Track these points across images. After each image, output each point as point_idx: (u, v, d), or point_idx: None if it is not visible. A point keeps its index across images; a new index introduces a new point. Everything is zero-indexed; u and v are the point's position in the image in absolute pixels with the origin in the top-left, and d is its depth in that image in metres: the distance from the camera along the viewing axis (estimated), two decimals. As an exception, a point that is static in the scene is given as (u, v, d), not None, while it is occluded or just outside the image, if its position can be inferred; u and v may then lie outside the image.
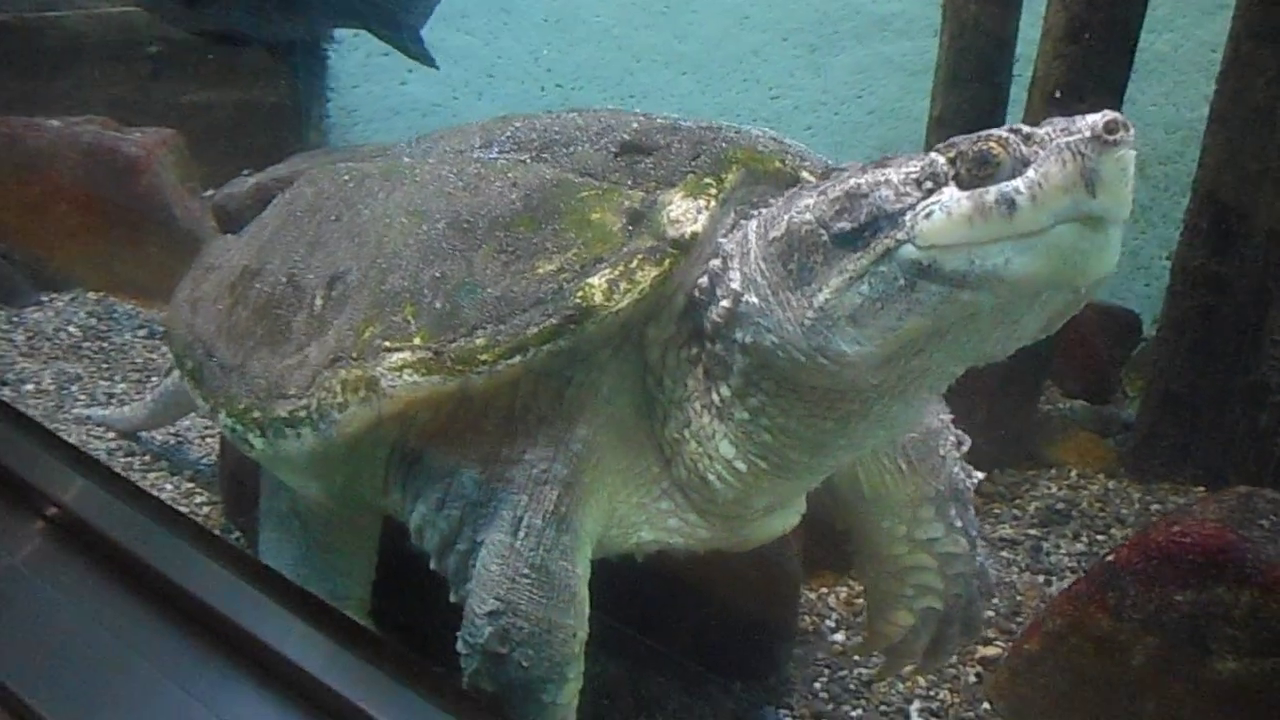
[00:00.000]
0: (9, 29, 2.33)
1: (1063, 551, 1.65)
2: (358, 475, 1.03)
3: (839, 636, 1.40)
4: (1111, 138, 0.68)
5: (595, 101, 3.11)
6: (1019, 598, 1.51)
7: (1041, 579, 1.57)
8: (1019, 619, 1.44)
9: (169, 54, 2.56)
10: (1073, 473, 1.91)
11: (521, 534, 0.89)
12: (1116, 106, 1.85)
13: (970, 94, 2.09)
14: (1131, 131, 0.68)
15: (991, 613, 1.45)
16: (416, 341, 0.89)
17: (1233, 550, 1.13)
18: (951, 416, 1.14)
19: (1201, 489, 1.82)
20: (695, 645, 1.27)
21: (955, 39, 2.08)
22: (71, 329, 2.09)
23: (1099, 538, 1.69)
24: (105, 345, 2.05)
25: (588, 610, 0.92)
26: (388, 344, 0.91)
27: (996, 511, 1.77)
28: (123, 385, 1.91)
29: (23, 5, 2.34)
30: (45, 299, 2.20)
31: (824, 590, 1.48)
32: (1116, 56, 1.84)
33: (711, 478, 0.91)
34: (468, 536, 0.92)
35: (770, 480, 0.91)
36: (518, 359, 0.84)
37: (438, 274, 0.90)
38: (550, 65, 3.13)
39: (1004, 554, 1.64)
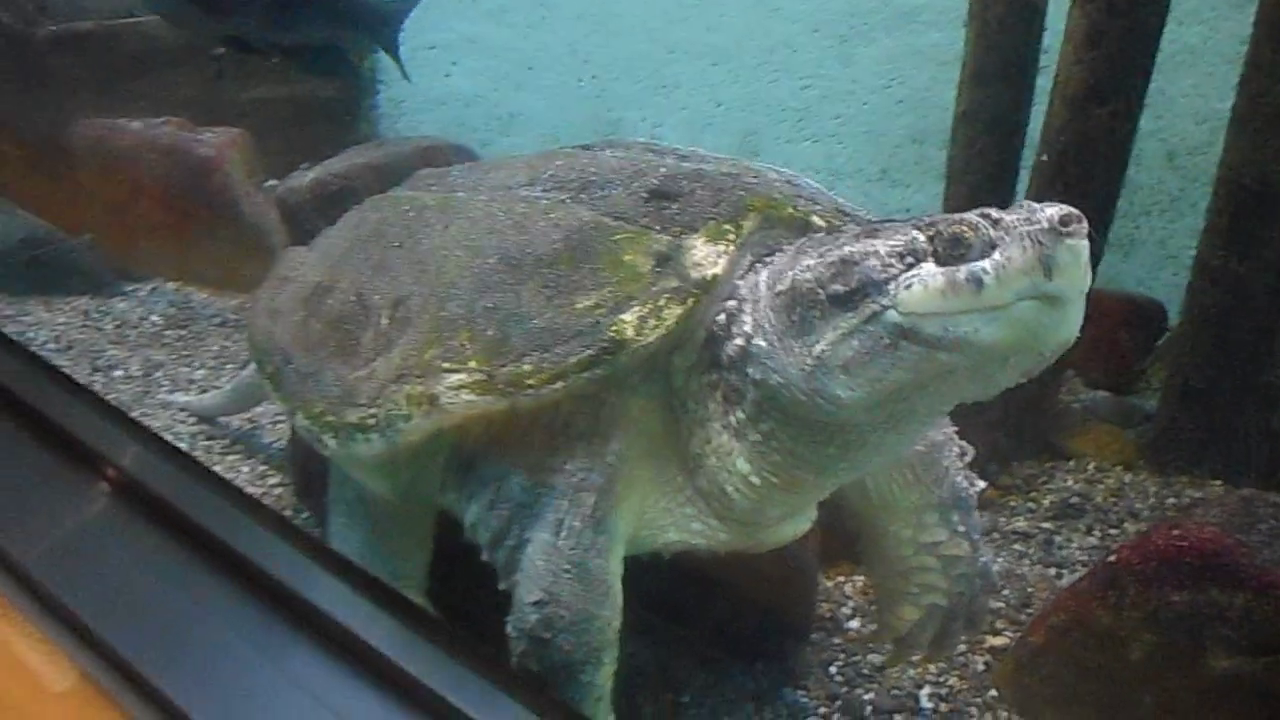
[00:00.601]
0: (92, 36, 2.46)
1: (1075, 545, 1.69)
2: (418, 476, 1.14)
3: (854, 624, 1.47)
4: (1065, 229, 0.78)
5: (629, 91, 3.17)
6: (1029, 590, 1.56)
7: (1053, 572, 1.62)
8: (1029, 611, 1.50)
9: (232, 56, 2.67)
10: (1090, 465, 1.94)
11: (563, 534, 0.99)
12: (1137, 109, 1.90)
13: (995, 92, 2.12)
14: (1084, 224, 0.78)
15: (1001, 604, 1.52)
16: (472, 364, 0.99)
17: (1228, 554, 1.18)
18: (956, 429, 1.22)
19: (1220, 483, 1.84)
20: (719, 631, 1.36)
21: (981, 36, 2.11)
22: (154, 318, 2.23)
23: (1112, 532, 1.73)
24: (184, 333, 2.18)
25: (621, 601, 1.02)
26: (446, 365, 1.01)
27: (1012, 504, 1.82)
28: (201, 371, 2.05)
29: (104, 11, 2.46)
30: (129, 289, 2.35)
31: (840, 579, 1.55)
32: (1136, 61, 1.86)
33: (730, 489, 1.01)
34: (515, 534, 1.02)
35: (782, 494, 1.01)
36: (559, 384, 0.94)
37: (490, 304, 1.00)
38: (587, 57, 3.19)
39: (1016, 547, 1.69)
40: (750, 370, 0.94)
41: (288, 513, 1.62)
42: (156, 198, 2.27)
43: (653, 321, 0.93)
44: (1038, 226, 0.78)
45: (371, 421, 1.09)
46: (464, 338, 1.01)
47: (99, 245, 2.35)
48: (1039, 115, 2.03)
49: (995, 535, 1.71)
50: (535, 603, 0.99)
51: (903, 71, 2.98)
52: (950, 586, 1.21)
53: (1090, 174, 1.93)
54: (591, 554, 0.99)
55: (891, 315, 0.83)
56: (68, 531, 1.30)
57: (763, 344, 0.92)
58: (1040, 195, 1.97)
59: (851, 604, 1.52)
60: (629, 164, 1.07)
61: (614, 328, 0.93)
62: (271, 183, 2.58)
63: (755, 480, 0.99)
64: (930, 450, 1.17)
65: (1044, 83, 2.02)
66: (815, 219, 1.01)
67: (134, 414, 1.80)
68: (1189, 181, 2.63)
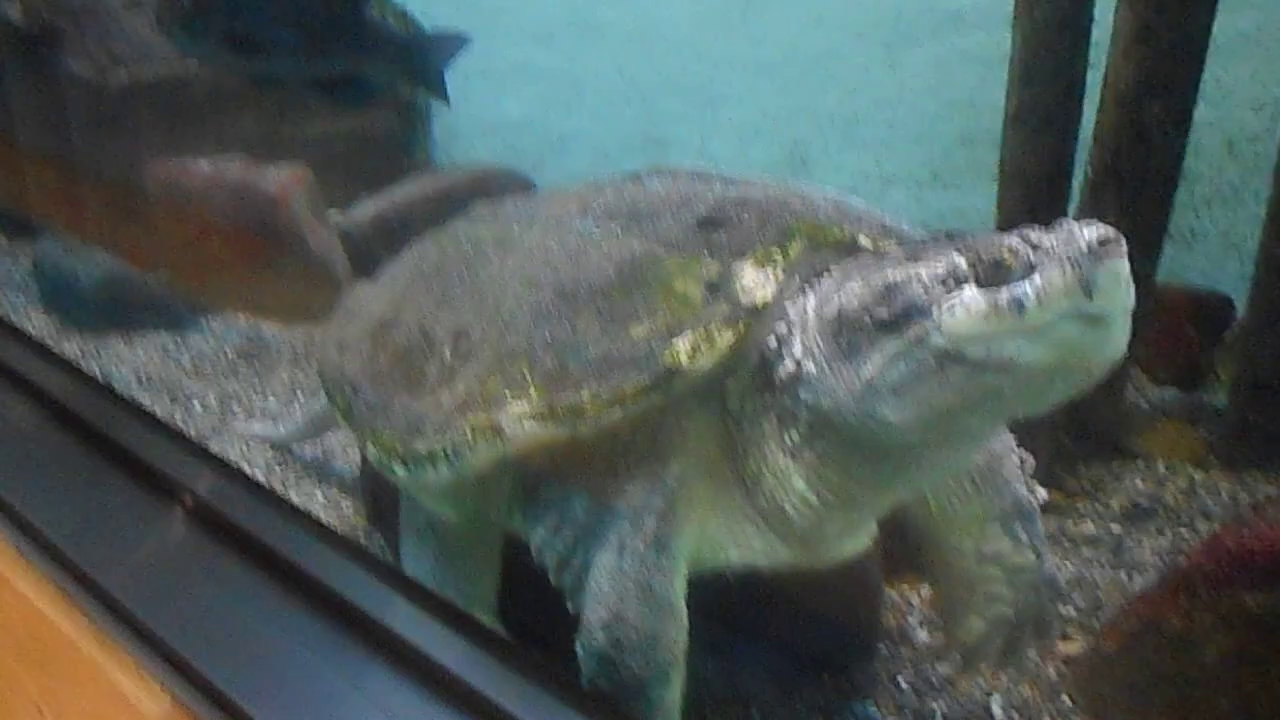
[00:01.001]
0: (162, 82, 2.56)
1: (1146, 548, 1.65)
2: (485, 501, 1.17)
3: (922, 634, 1.46)
4: (1103, 250, 0.78)
5: (676, 108, 3.19)
6: (1100, 595, 1.53)
7: (1124, 576, 1.58)
8: (1100, 616, 1.47)
9: (291, 94, 2.76)
10: (1160, 465, 1.89)
11: (626, 556, 1.01)
12: (1191, 101, 1.86)
13: (1045, 91, 2.08)
14: (1122, 244, 0.79)
15: (1073, 610, 1.50)
16: (532, 394, 1.02)
17: (1301, 553, 1.14)
18: (1017, 433, 1.21)
19: (1294, 479, 1.77)
20: (785, 645, 1.36)
21: (1028, 36, 2.08)
22: (227, 350, 2.31)
23: (1183, 532, 1.69)
24: (256, 365, 2.26)
25: (686, 620, 1.03)
26: (509, 395, 1.04)
27: (1079, 508, 1.78)
28: (273, 400, 2.12)
29: (171, 57, 2.56)
30: (203, 324, 2.43)
31: (907, 589, 1.54)
32: (1188, 53, 1.82)
33: (788, 508, 1.02)
34: (580, 556, 1.05)
35: (840, 512, 1.02)
36: (617, 411, 0.97)
37: (548, 335, 1.03)
38: (634, 77, 3.22)
39: (1085, 551, 1.65)
40: (802, 393, 0.95)
41: (360, 538, 1.66)
42: (226, 234, 2.36)
43: (705, 347, 0.95)
44: (1076, 249, 0.79)
45: (439, 451, 1.12)
46: (524, 368, 1.03)
47: (174, 282, 2.44)
48: (1090, 114, 2.00)
49: (1063, 540, 1.68)
50: (603, 623, 1.01)
51: (950, 74, 2.94)
52: (1016, 596, 1.20)
53: (1146, 168, 1.90)
54: (655, 574, 1.01)
55: (936, 339, 0.84)
56: (154, 560, 1.36)
57: (812, 368, 0.94)
58: (1096, 193, 1.95)
59: (918, 614, 1.51)
60: (676, 193, 1.09)
61: (668, 354, 0.95)
62: (335, 215, 2.66)
63: (812, 499, 1.00)
64: (990, 461, 1.16)
65: (1094, 79, 1.99)
66: (862, 239, 1.02)
67: (212, 444, 1.87)
68: (1250, 170, 2.55)
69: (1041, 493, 1.22)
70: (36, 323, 2.43)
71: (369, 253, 2.35)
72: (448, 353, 1.15)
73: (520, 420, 1.02)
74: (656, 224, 1.05)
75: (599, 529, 1.04)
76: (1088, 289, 0.78)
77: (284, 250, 2.31)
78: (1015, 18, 2.09)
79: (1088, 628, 1.46)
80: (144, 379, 2.20)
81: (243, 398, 2.11)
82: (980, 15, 2.87)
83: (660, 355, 0.95)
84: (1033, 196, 2.06)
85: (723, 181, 1.13)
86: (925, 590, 1.54)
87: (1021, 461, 1.21)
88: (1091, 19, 2.01)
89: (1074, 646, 1.42)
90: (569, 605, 1.07)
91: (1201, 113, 1.89)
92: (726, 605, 1.28)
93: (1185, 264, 2.53)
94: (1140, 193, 1.93)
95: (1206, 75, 1.86)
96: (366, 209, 2.55)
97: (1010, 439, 1.20)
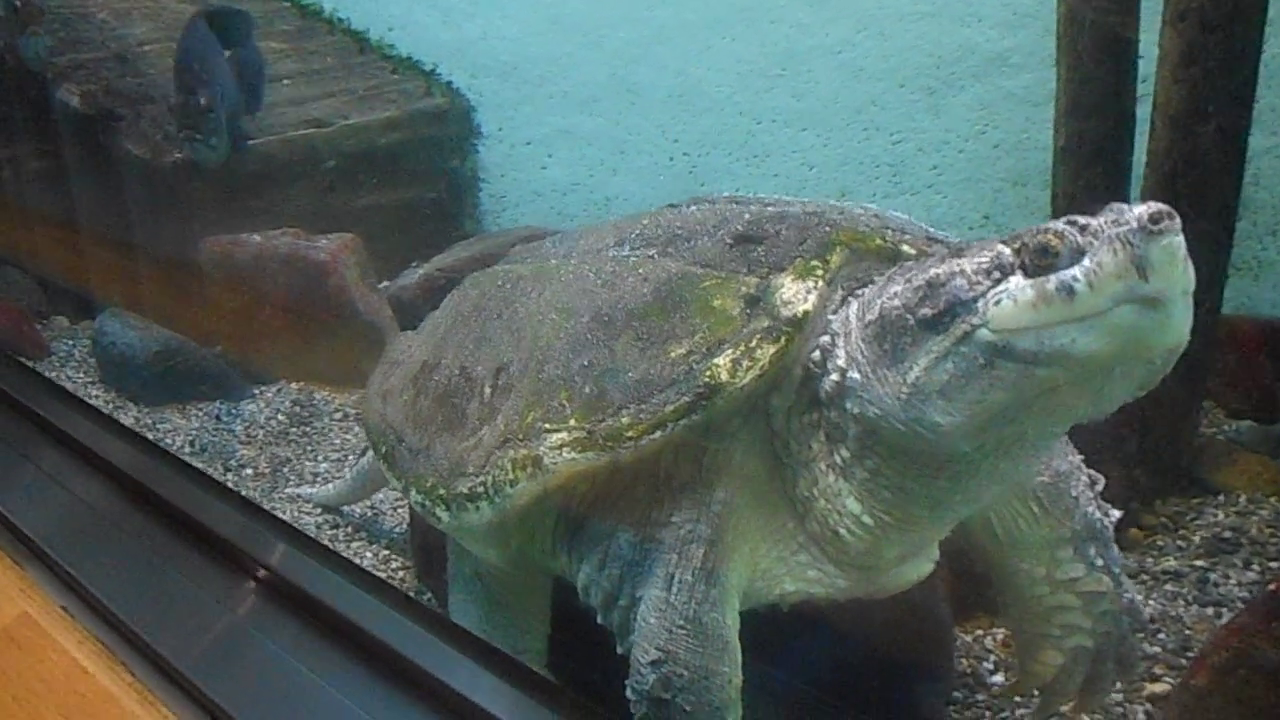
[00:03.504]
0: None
1: (1233, 582, 1.58)
2: (529, 541, 1.15)
3: (998, 678, 1.39)
4: (1156, 227, 0.74)
5: (720, 164, 3.23)
6: (1187, 632, 1.46)
7: (1210, 611, 1.51)
8: (1189, 654, 1.39)
9: (343, 167, 2.87)
10: (1241, 498, 1.81)
11: (674, 589, 0.98)
12: (1244, 123, 1.83)
13: (1093, 123, 2.07)
14: (1176, 220, 0.75)
15: (1158, 649, 1.42)
16: (572, 423, 1.01)
17: (1395, 576, 1.09)
18: (1081, 457, 1.16)
19: (1380, 510, 1.69)
20: (852, 690, 1.31)
21: (1072, 70, 2.08)
22: (280, 417, 2.36)
23: (1271, 565, 1.61)
24: (308, 430, 2.30)
25: (740, 658, 0.99)
26: (548, 426, 1.03)
27: (1160, 544, 1.72)
28: (325, 465, 2.14)
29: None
30: (256, 392, 2.49)
31: (980, 632, 1.48)
32: (1237, 74, 1.80)
33: (842, 531, 0.98)
34: (627, 593, 1.02)
35: (897, 533, 0.98)
36: (658, 434, 0.95)
37: (585, 362, 1.02)
38: (677, 137, 3.27)
39: (1169, 588, 1.58)
40: (848, 404, 0.92)
41: (411, 593, 1.65)
42: (278, 304, 2.42)
43: (746, 363, 0.93)
44: (1127, 227, 0.75)
45: (480, 490, 1.11)
46: (563, 397, 1.03)
47: (227, 352, 2.51)
48: (1141, 141, 1.97)
49: (1144, 577, 1.60)
50: (652, 662, 0.98)
51: (996, 116, 2.95)
52: (1095, 626, 1.14)
53: (1203, 194, 1.86)
54: (705, 607, 0.98)
55: (983, 333, 0.81)
56: (210, 622, 1.37)
57: (857, 376, 0.91)
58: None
59: (993, 658, 1.45)
60: (713, 214, 1.09)
61: (708, 373, 0.94)
62: (384, 284, 2.72)
63: (867, 520, 0.96)
64: (1056, 480, 1.11)
65: (1142, 112, 1.98)
66: (905, 248, 1.00)
67: (264, 507, 1.89)
68: (1321, 192, 2.49)
69: (1115, 513, 1.16)
70: (95, 397, 2.50)
71: (417, 316, 2.38)
72: (487, 390, 1.15)
73: (560, 450, 1.01)
74: (693, 245, 1.04)
75: (645, 562, 1.01)
76: (1142, 269, 0.74)
77: (334, 316, 2.37)
78: (1058, 49, 2.09)
79: (1175, 666, 1.38)
80: (198, 447, 2.25)
81: (294, 462, 2.14)
82: (1023, 56, 2.88)
83: (700, 374, 0.94)
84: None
85: (759, 203, 1.12)
86: (999, 633, 1.48)
87: (1091, 481, 1.15)
88: (1137, 45, 2.01)
89: (1162, 687, 1.35)
90: (618, 647, 1.04)
91: (1261, 141, 1.85)
92: (787, 647, 1.24)
93: (1253, 295, 2.46)
94: (1198, 220, 1.88)
95: (1263, 103, 1.83)
96: (414, 274, 2.61)
97: (1077, 457, 1.15)
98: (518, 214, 3.49)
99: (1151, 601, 1.54)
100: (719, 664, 0.97)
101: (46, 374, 2.49)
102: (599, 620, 1.07)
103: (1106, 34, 2.00)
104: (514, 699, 1.16)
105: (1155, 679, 1.36)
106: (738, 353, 0.94)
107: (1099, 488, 1.15)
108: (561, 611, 1.30)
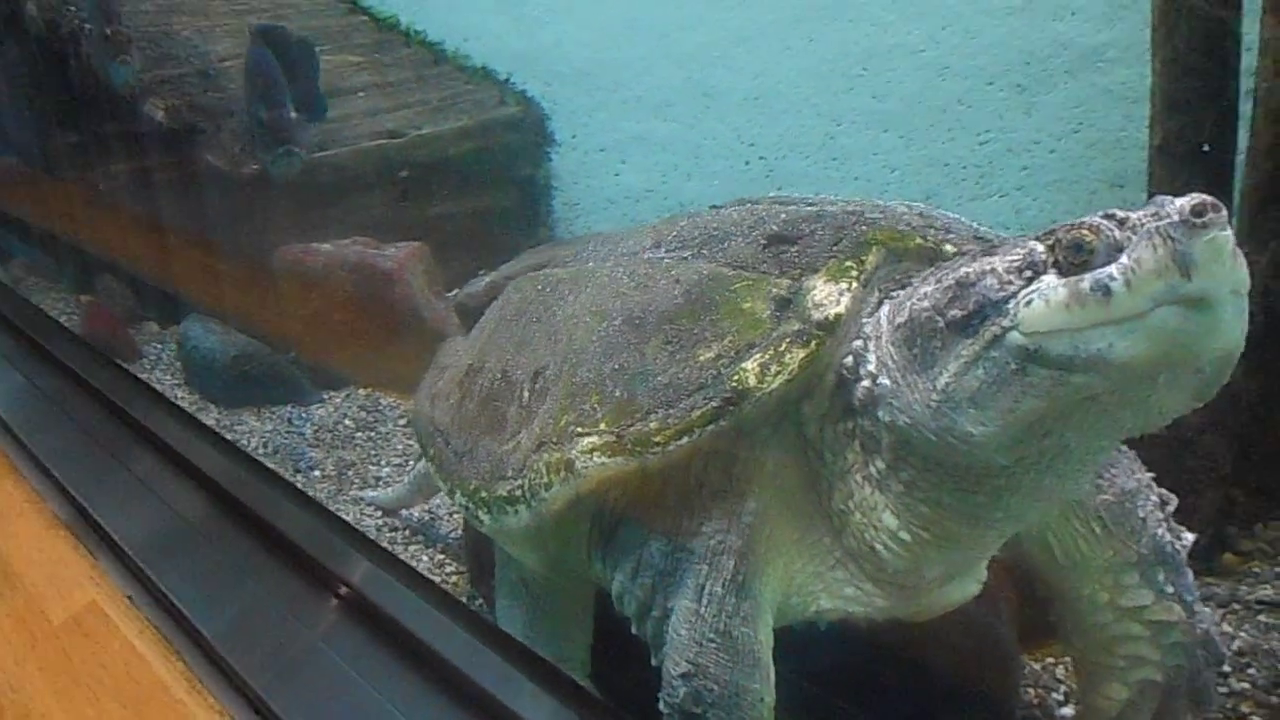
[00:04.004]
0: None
1: (1338, 614, 1.49)
2: (566, 547, 1.15)
3: (1067, 711, 1.33)
4: (1199, 220, 0.69)
5: (798, 168, 3.19)
6: (1280, 666, 1.38)
7: (1308, 644, 1.42)
8: (1281, 690, 1.31)
9: (416, 177, 2.94)
10: (1355, 522, 1.72)
11: (705, 601, 0.96)
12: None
13: (1192, 120, 1.98)
14: (1222, 212, 0.69)
15: (1246, 684, 1.34)
16: (602, 427, 1.01)
17: None
18: (1153, 475, 1.09)
19: None
20: (911, 717, 1.26)
21: (1169, 63, 1.99)
22: (347, 421, 2.43)
23: (1385, 598, 1.51)
24: (373, 435, 2.36)
25: (773, 675, 0.97)
26: (579, 429, 1.03)
27: (1256, 570, 1.61)
28: (387, 469, 2.19)
29: (300, 144, 2.78)
30: (325, 397, 2.57)
31: (1051, 660, 1.41)
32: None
33: (879, 548, 0.95)
34: (660, 603, 1.01)
35: (936, 550, 0.94)
36: (685, 440, 0.93)
37: (617, 366, 1.02)
38: (753, 140, 3.25)
39: (1263, 619, 1.48)
40: (880, 413, 0.89)
41: (463, 599, 1.67)
42: (346, 311, 2.50)
43: (775, 367, 0.91)
44: (1167, 220, 0.70)
45: (518, 493, 1.12)
46: (594, 400, 1.03)
47: (300, 358, 2.60)
48: (1245, 135, 1.87)
49: (1235, 606, 1.51)
50: (682, 675, 0.97)
51: (1091, 114, 2.84)
52: (1164, 658, 1.07)
53: (1312, 193, 1.75)
54: (736, 621, 0.96)
55: (1014, 337, 0.76)
56: (266, 620, 1.42)
57: (887, 382, 0.87)
58: (1255, 221, 1.81)
59: (1064, 688, 1.38)
60: (750, 215, 1.07)
61: (735, 377, 0.92)
62: (453, 293, 2.77)
63: (905, 536, 0.93)
64: (1121, 499, 1.05)
65: (1245, 108, 1.87)
66: (948, 248, 0.96)
67: (332, 509, 1.95)
68: None
69: (1189, 536, 1.09)
70: (181, 399, 2.62)
71: (483, 322, 2.43)
72: (526, 393, 1.16)
73: (590, 454, 1.00)
74: (726, 246, 1.03)
75: (677, 572, 1.00)
76: (1185, 266, 0.69)
77: (400, 323, 2.43)
78: (1153, 41, 2.00)
79: (1265, 704, 1.29)
80: (271, 449, 2.33)
81: (359, 466, 2.20)
82: (1119, 50, 2.77)
83: (728, 378, 0.92)
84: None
85: (803, 202, 1.10)
86: (1071, 661, 1.41)
87: (1162, 501, 1.09)
88: (1240, 35, 1.91)
89: (1252, 727, 1.26)
90: (653, 659, 1.03)
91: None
92: (837, 668, 1.21)
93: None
94: (1310, 220, 1.78)
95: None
96: (480, 283, 2.65)
97: (1146, 475, 1.09)
98: (591, 221, 3.51)
99: (1243, 633, 1.44)
100: (750, 680, 0.95)
101: (139, 376, 2.62)
102: (633, 631, 1.06)
103: (1206, 23, 1.91)
104: (553, 709, 1.17)
105: (1242, 717, 1.28)
106: (767, 357, 0.92)
107: (1170, 508, 1.08)
108: (604, 622, 1.30)
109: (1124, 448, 1.09)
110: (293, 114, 2.74)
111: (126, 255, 3.10)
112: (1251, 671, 1.35)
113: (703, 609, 0.97)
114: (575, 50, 3.43)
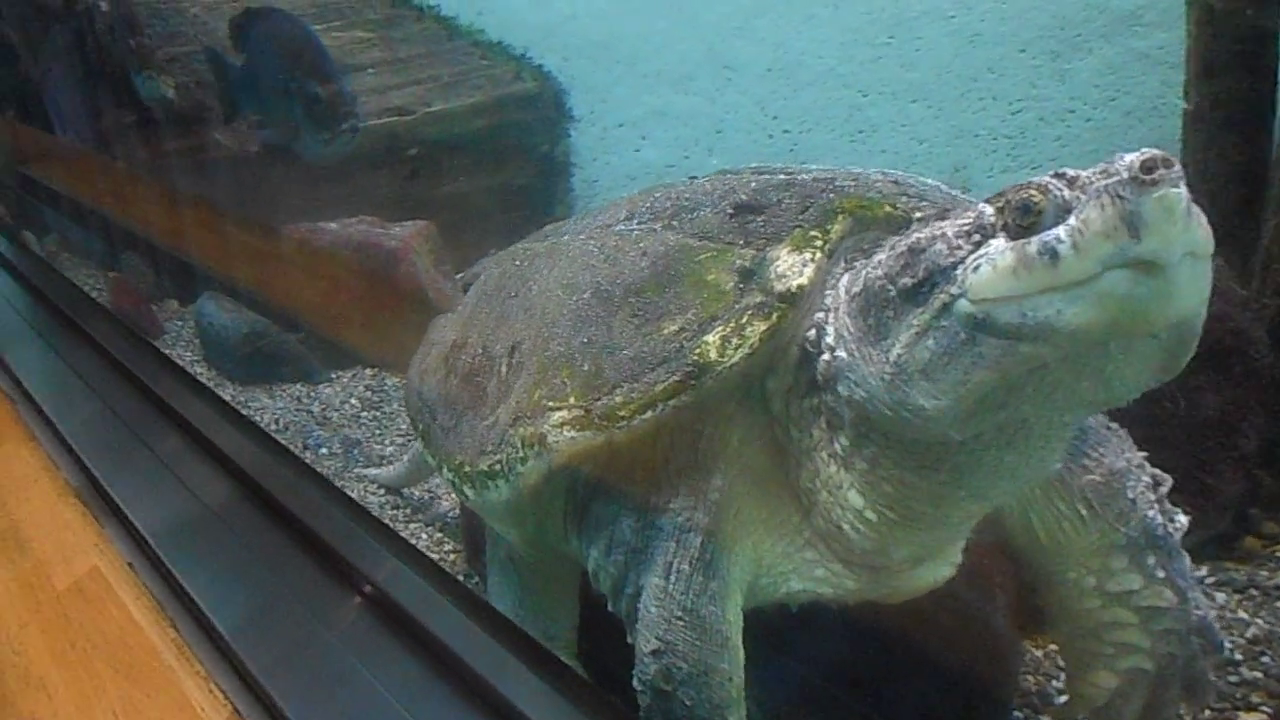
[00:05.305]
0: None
1: (1362, 602, 1.46)
2: (544, 523, 1.18)
3: (1065, 699, 1.31)
4: (1149, 177, 0.67)
5: (823, 141, 3.17)
6: (1294, 654, 1.35)
7: (1330, 634, 1.40)
8: (1297, 680, 1.29)
9: (426, 154, 2.96)
10: (1386, 508, 1.68)
11: (673, 578, 0.98)
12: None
13: (1228, 84, 1.95)
14: (1175, 168, 0.67)
15: (1259, 673, 1.32)
16: (571, 401, 1.02)
17: None
18: (1145, 454, 1.08)
19: None
20: (901, 704, 1.26)
21: (1204, 24, 1.96)
22: (353, 401, 2.48)
23: None
24: (378, 414, 2.41)
25: (742, 656, 0.98)
26: (551, 404, 1.05)
27: (1277, 555, 1.60)
28: (391, 448, 2.24)
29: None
30: (334, 376, 2.63)
31: (1053, 648, 1.41)
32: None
33: (846, 527, 0.95)
34: (633, 580, 1.03)
35: (903, 530, 0.94)
36: (649, 414, 0.95)
37: (585, 339, 1.03)
38: (777, 113, 3.23)
39: (1280, 605, 1.47)
40: (840, 387, 0.89)
41: (460, 576, 1.71)
42: (351, 290, 2.54)
43: (735, 341, 0.92)
44: (1116, 179, 0.68)
45: (497, 468, 1.14)
46: (564, 375, 1.04)
47: (308, 337, 2.65)
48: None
49: (1253, 591, 1.49)
50: (653, 652, 0.99)
51: (1128, 80, 2.78)
52: (1155, 646, 1.06)
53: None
54: (704, 600, 0.97)
55: (962, 305, 0.75)
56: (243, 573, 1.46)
57: (844, 355, 0.87)
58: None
59: (1064, 676, 1.37)
60: (723, 184, 1.07)
61: (697, 351, 0.93)
62: (461, 274, 2.80)
63: (871, 515, 0.93)
64: (1109, 479, 1.04)
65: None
66: (919, 216, 0.94)
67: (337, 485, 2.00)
68: None
69: (1181, 518, 1.07)
70: (200, 374, 2.70)
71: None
72: (504, 368, 1.18)
73: (561, 429, 1.02)
74: (695, 216, 1.04)
75: (647, 549, 1.01)
76: (1134, 227, 0.66)
77: (405, 304, 2.45)
78: (1188, 6, 1.97)
79: (1277, 695, 1.27)
80: (282, 426, 2.39)
81: (364, 444, 2.25)
82: (1158, 13, 2.71)
83: (689, 352, 0.94)
84: (1220, 202, 1.91)
85: (781, 171, 1.10)
86: (1059, 647, 1.40)
87: (1155, 482, 1.07)
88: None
89: (1258, 716, 1.25)
90: (629, 636, 1.05)
91: None
92: (835, 657, 1.22)
93: None
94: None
95: None
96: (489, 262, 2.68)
97: (1137, 454, 1.07)
98: (610, 198, 3.50)
99: (1260, 619, 1.43)
100: (718, 660, 0.96)
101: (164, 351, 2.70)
102: (609, 608, 1.08)
103: (1241, -16, 1.88)
104: (536, 687, 1.19)
105: (1251, 707, 1.26)
106: (728, 330, 0.92)
107: (1164, 490, 1.06)
108: (589, 601, 1.32)
109: (1114, 425, 1.08)
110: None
111: (149, 234, 3.19)
112: (1266, 660, 1.34)
113: (671, 586, 0.98)
114: (593, 23, 3.42)
